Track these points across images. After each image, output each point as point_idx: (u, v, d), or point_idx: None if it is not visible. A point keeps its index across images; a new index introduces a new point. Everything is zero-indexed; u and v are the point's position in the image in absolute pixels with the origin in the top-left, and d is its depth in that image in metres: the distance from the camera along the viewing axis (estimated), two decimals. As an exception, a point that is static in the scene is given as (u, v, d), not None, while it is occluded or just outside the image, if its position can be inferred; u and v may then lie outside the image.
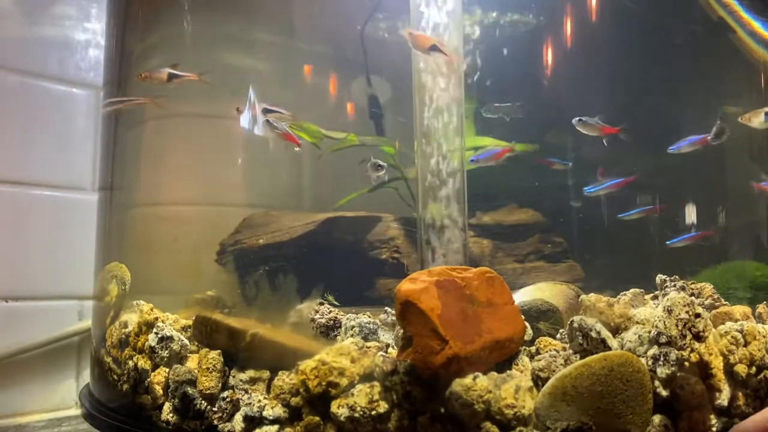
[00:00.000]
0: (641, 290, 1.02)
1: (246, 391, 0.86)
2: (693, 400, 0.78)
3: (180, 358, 0.93)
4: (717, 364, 0.81)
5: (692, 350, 0.79)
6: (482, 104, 1.26)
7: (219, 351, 0.89)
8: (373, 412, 0.76)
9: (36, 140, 1.51)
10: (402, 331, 0.78)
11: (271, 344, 0.88)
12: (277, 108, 1.13)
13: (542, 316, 0.92)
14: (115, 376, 1.06)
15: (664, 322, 0.80)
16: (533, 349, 0.87)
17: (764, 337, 0.85)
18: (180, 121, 1.35)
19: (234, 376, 0.88)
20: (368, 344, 0.86)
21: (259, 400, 0.84)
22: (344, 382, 0.79)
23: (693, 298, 0.90)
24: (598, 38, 1.27)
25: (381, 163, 1.15)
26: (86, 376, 1.49)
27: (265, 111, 1.12)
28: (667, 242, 1.18)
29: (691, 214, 1.23)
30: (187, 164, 1.36)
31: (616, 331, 0.84)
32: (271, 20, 1.36)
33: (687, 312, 0.80)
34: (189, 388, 0.88)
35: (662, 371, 0.77)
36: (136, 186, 1.35)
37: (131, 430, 0.95)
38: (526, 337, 0.88)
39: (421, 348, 0.74)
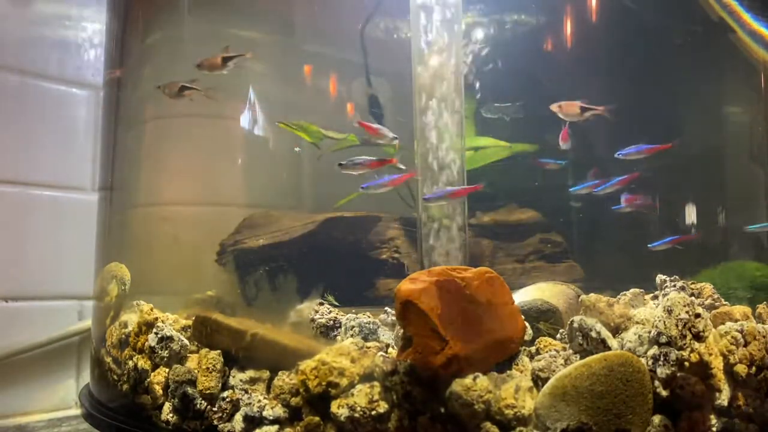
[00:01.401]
0: (641, 290, 1.02)
1: (246, 391, 0.86)
2: (693, 400, 0.78)
3: (180, 358, 0.93)
4: (717, 364, 0.81)
5: (692, 350, 0.79)
6: (482, 104, 1.26)
7: (219, 351, 0.89)
8: (373, 412, 0.76)
9: (36, 140, 1.51)
10: (402, 331, 0.78)
11: (271, 344, 0.88)
12: (193, 85, 1.15)
13: (542, 316, 0.92)
14: (115, 376, 1.06)
15: (664, 322, 0.80)
16: (533, 349, 0.86)
17: (764, 337, 0.85)
18: (180, 121, 1.34)
19: (234, 376, 0.88)
20: (368, 344, 0.86)
21: (259, 400, 0.84)
22: (344, 382, 0.79)
23: (693, 298, 0.90)
24: (598, 38, 1.27)
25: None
26: (86, 376, 1.49)
27: (183, 88, 1.14)
28: (650, 245, 1.17)
29: (690, 214, 1.23)
30: (187, 164, 1.36)
31: (616, 331, 0.84)
32: (270, 20, 1.36)
33: (687, 312, 0.80)
34: (189, 388, 0.88)
35: (662, 371, 0.77)
36: (136, 186, 1.35)
37: (131, 430, 0.95)
38: (526, 337, 0.88)
39: (421, 348, 0.74)
